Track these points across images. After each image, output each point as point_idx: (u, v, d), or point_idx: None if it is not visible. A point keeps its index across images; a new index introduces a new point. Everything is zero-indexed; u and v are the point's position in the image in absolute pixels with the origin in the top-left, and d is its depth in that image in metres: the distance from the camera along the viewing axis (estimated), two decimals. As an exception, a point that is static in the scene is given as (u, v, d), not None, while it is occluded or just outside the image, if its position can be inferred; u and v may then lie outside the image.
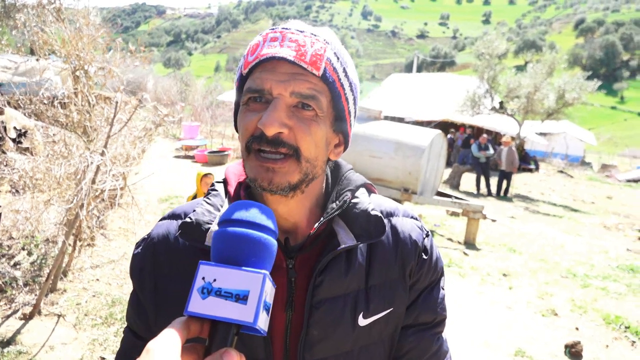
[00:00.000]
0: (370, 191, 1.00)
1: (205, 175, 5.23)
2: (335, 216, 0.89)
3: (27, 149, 5.31)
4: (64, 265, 4.49)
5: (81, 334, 3.81)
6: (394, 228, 0.94)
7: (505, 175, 14.19)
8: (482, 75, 20.46)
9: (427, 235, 0.98)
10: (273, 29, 0.81)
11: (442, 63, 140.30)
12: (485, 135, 15.38)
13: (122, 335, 0.99)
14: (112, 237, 5.96)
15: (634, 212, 13.79)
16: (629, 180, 23.17)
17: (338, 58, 0.82)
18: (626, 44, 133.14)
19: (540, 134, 27.68)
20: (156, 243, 0.92)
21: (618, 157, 41.53)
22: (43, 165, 4.49)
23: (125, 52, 4.61)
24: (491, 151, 14.47)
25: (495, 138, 22.59)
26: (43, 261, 4.64)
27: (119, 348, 0.97)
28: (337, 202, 0.89)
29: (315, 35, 0.80)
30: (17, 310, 3.94)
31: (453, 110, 22.49)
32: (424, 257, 0.95)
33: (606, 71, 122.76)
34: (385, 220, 0.93)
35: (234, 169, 0.97)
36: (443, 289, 1.00)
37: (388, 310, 0.90)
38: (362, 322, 0.88)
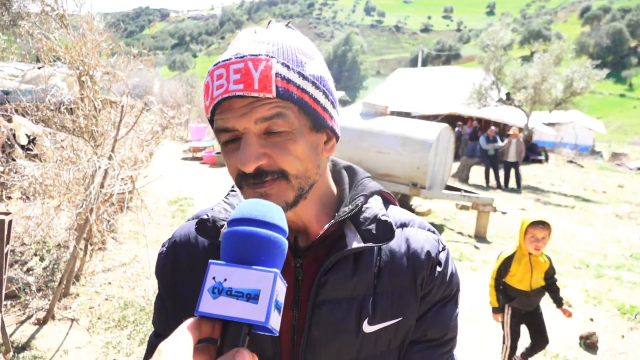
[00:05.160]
0: (388, 201, 0.99)
1: (534, 223, 3.30)
2: (346, 219, 0.90)
3: (36, 155, 5.35)
4: (76, 269, 4.53)
5: (95, 337, 3.84)
6: (407, 238, 0.93)
7: (514, 166, 14.09)
8: (488, 67, 20.33)
9: (443, 249, 0.96)
10: (216, 64, 0.79)
11: (447, 56, 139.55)
12: (493, 128, 15.29)
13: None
14: (122, 240, 6.00)
15: (646, 200, 13.65)
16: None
17: (288, 66, 0.78)
18: (633, 30, 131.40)
19: (549, 124, 27.49)
20: (178, 243, 0.96)
21: (628, 145, 41.10)
22: (52, 171, 4.52)
23: (129, 55, 4.63)
24: (500, 143, 14.36)
25: (503, 130, 22.45)
26: (55, 266, 4.68)
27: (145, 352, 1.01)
28: (350, 206, 0.89)
29: (256, 56, 0.76)
30: (31, 316, 3.98)
31: (460, 104, 22.40)
32: (438, 269, 0.92)
33: (614, 59, 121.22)
34: (399, 230, 0.93)
35: None
36: (457, 306, 0.97)
37: (397, 320, 0.88)
38: (368, 328, 0.86)
